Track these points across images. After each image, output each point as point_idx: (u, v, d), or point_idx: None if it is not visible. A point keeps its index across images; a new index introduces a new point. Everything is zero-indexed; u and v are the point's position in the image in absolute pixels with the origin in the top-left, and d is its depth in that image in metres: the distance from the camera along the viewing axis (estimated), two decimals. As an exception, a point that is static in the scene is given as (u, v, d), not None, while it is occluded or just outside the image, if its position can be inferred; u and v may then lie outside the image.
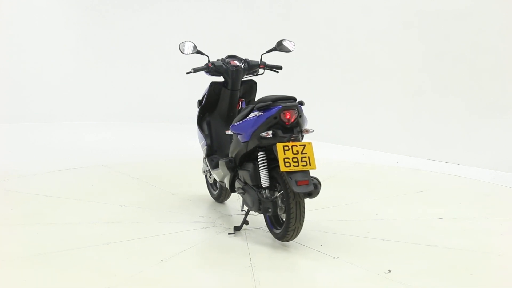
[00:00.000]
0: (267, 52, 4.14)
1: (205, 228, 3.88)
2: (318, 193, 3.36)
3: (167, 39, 8.06)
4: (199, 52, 4.15)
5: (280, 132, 3.37)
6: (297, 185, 3.24)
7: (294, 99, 3.47)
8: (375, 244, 3.64)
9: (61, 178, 5.11)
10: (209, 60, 4.09)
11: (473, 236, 3.79)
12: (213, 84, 4.16)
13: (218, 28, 7.70)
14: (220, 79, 4.15)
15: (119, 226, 3.90)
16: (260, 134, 3.40)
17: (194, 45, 4.14)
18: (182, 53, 4.09)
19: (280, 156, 3.27)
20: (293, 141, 3.36)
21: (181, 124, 7.61)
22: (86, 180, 5.07)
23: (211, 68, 4.04)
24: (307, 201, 3.40)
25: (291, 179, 3.26)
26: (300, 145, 3.30)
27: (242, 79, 4.12)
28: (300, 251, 3.50)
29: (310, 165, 3.29)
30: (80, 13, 8.27)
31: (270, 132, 3.36)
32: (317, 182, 3.39)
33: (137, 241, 3.63)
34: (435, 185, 5.08)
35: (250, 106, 3.66)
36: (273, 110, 3.37)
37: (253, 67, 4.10)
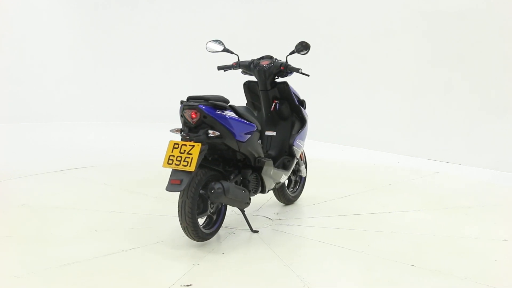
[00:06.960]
0: (290, 54, 4.06)
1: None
2: (216, 197, 3.33)
3: (167, 39, 8.06)
4: (227, 50, 4.11)
5: (186, 130, 3.41)
6: (170, 184, 3.24)
7: (205, 99, 3.39)
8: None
9: (61, 178, 5.12)
10: (238, 59, 4.09)
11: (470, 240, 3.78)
12: (246, 83, 4.16)
13: (218, 27, 7.69)
14: (254, 78, 4.14)
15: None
16: (170, 130, 3.46)
17: (222, 43, 4.12)
18: (209, 51, 4.09)
19: (167, 153, 3.33)
20: (185, 140, 3.36)
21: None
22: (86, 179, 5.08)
23: (235, 67, 4.06)
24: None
25: (170, 176, 3.29)
26: (190, 145, 3.31)
27: (276, 80, 4.07)
28: (207, 247, 3.45)
29: (190, 166, 3.25)
30: (80, 14, 8.27)
31: (179, 129, 3.42)
32: (217, 188, 3.33)
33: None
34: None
35: None
36: (180, 108, 3.42)
37: (276, 68, 4.00)
